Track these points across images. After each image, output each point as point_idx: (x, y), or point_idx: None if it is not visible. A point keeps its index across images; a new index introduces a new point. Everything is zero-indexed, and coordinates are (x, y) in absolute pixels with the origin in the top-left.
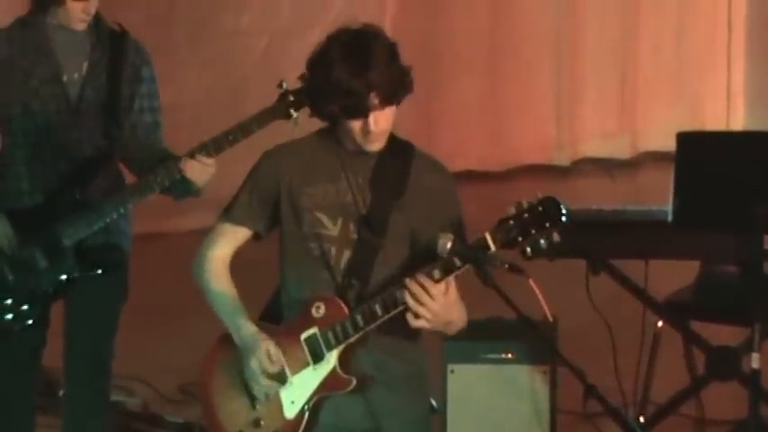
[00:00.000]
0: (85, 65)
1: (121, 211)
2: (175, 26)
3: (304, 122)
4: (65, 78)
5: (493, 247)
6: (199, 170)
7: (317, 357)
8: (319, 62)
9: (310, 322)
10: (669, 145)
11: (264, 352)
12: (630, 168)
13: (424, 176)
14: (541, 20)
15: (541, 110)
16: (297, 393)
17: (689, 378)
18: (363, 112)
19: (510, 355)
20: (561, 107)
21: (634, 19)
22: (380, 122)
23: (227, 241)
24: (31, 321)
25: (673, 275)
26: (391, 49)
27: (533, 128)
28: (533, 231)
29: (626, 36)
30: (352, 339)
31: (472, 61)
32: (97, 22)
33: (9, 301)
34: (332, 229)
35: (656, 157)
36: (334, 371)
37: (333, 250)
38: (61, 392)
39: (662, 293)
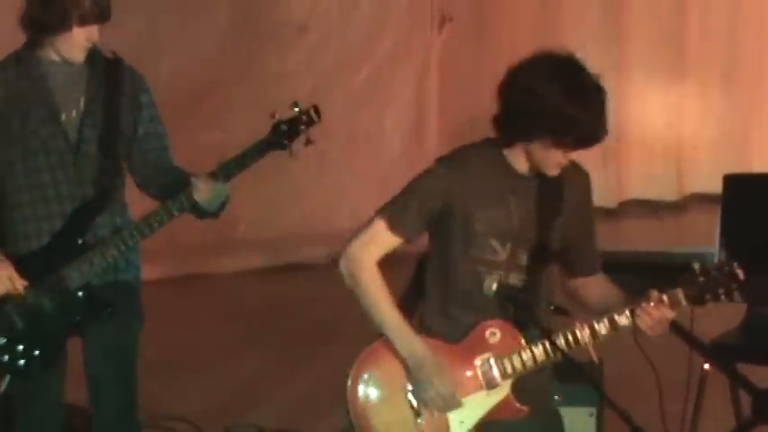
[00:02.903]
0: (82, 100)
1: (124, 249)
2: (222, 68)
3: (299, 152)
4: (63, 117)
5: (684, 303)
6: (208, 193)
7: (491, 384)
8: (552, 87)
9: (485, 347)
10: (716, 187)
11: (439, 375)
12: (677, 210)
13: (573, 182)
14: (588, 58)
15: (588, 151)
16: (466, 414)
17: (735, 421)
18: (591, 145)
19: (556, 397)
20: (608, 148)
21: (681, 60)
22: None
23: (383, 248)
24: (43, 365)
25: (719, 317)
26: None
27: None
28: (720, 291)
29: (673, 77)
30: (527, 371)
31: None
32: (92, 53)
33: (20, 348)
34: (501, 253)
35: (703, 199)
36: (507, 398)
37: (501, 276)
38: None
39: (708, 335)
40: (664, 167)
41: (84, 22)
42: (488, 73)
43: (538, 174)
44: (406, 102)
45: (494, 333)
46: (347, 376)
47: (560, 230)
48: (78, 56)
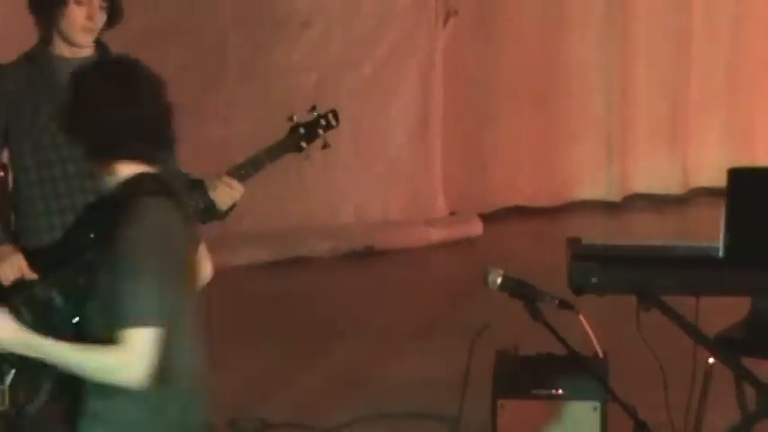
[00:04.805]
0: None
1: None
2: (226, 62)
3: (315, 154)
4: None
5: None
6: (225, 193)
7: None
8: None
9: None
10: (720, 180)
11: None
12: (681, 204)
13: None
14: (592, 55)
15: (593, 145)
16: None
17: (740, 415)
18: None
19: (560, 392)
20: (612, 143)
21: (685, 54)
22: None
23: None
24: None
25: (724, 311)
26: (84, 89)
27: (584, 163)
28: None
29: (677, 71)
30: None
31: (522, 96)
32: (102, 52)
33: None
34: None
35: (707, 193)
36: None
37: None
38: None
39: (713, 330)
40: (668, 162)
41: None
42: (493, 67)
43: None
44: (411, 96)
45: None
46: None
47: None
48: (82, 38)
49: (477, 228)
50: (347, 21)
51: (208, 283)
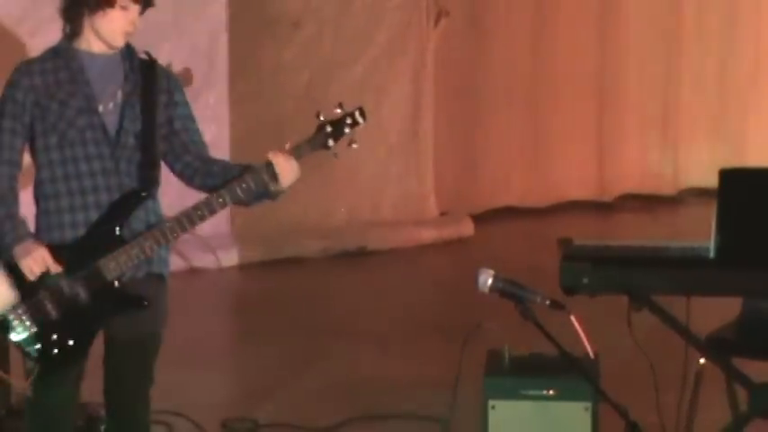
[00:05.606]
0: (119, 94)
1: (164, 243)
2: (217, 62)
3: (342, 152)
4: (101, 108)
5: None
6: (289, 169)
7: None
8: None
9: None
10: (711, 181)
11: None
12: (673, 204)
13: None
14: (583, 55)
15: (584, 146)
16: None
17: (731, 415)
18: None
19: (552, 392)
20: (604, 143)
21: (676, 54)
22: None
23: None
24: (76, 357)
25: (715, 312)
26: None
27: (576, 164)
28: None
29: (668, 72)
30: None
31: (514, 96)
32: (129, 51)
33: (55, 337)
34: None
35: (699, 194)
36: None
37: None
38: (103, 428)
39: (704, 330)
40: (660, 162)
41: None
42: (485, 68)
43: None
44: (402, 96)
45: None
46: None
47: None
48: (118, 39)
49: (468, 228)
50: (339, 21)
51: (199, 284)
